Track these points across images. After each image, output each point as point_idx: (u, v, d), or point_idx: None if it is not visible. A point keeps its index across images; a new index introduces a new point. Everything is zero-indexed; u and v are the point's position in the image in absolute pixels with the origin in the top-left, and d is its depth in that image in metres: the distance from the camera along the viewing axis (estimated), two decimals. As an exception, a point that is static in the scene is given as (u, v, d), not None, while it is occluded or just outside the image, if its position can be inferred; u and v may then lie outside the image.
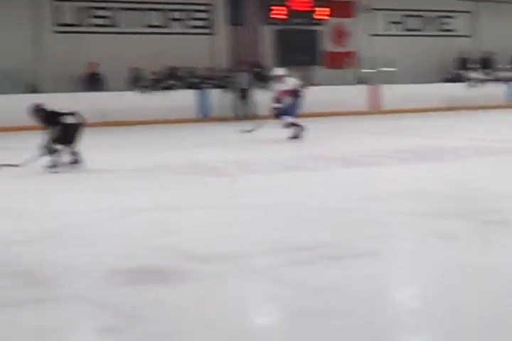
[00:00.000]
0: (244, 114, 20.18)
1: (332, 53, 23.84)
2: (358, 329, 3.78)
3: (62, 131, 10.30)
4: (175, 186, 8.90)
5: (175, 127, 18.49)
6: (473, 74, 24.32)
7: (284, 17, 22.87)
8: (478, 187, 8.29)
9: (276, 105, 14.34)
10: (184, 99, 20.10)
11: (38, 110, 10.51)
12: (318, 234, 6.01)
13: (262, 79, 19.85)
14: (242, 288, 4.61)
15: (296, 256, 5.34)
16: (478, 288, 4.44)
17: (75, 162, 10.43)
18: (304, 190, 8.38)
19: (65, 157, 10.35)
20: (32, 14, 20.01)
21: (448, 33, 26.06)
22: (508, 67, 25.15)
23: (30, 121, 10.59)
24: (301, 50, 23.02)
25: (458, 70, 24.67)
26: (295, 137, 14.17)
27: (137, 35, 21.28)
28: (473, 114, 21.38)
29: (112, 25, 21.27)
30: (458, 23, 26.22)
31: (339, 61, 23.57)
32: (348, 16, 24.00)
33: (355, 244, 5.68)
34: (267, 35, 22.76)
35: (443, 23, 26.05)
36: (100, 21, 21.14)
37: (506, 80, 24.52)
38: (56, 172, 10.07)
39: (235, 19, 21.89)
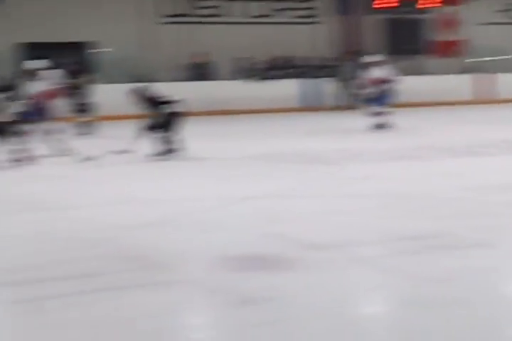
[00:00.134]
0: (347, 103, 20.06)
1: (439, 42, 23.39)
2: (477, 320, 3.71)
3: (163, 119, 10.45)
4: (279, 174, 8.94)
5: (278, 116, 18.54)
6: None
7: (392, 5, 22.57)
8: None
9: (363, 91, 14.14)
10: (287, 88, 20.12)
11: (140, 93, 10.67)
12: (427, 223, 5.94)
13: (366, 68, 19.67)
14: (350, 276, 4.60)
15: (405, 245, 5.30)
16: None
17: (175, 150, 10.55)
18: (412, 179, 8.29)
19: (167, 145, 10.52)
20: (137, 6, 20.42)
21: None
22: None
23: (139, 109, 10.77)
24: (406, 39, 22.73)
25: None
26: (380, 126, 13.90)
27: (242, 25, 21.41)
28: None
29: (218, 15, 21.48)
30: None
31: (446, 50, 23.10)
32: (456, 4, 23.49)
33: (468, 234, 5.58)
34: (371, 25, 22.55)
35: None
36: (206, 12, 21.39)
37: None
38: (162, 160, 10.25)
39: (341, 8, 21.77)
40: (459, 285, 4.31)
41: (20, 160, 10.21)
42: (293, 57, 20.93)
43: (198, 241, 5.51)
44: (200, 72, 19.87)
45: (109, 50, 20.07)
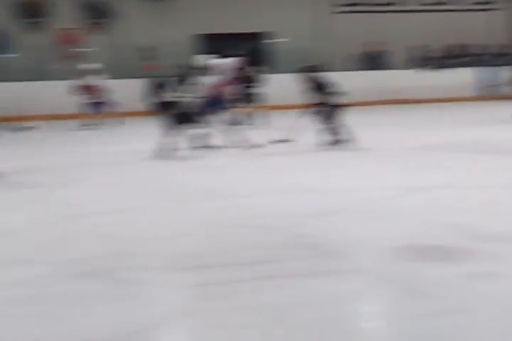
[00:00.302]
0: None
1: None
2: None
3: (327, 109, 10.48)
4: (450, 164, 8.84)
5: (452, 105, 18.20)
6: None
7: None
8: None
9: None
10: (462, 77, 19.72)
11: (311, 76, 10.70)
12: None
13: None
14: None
15: None
16: None
17: (343, 141, 10.56)
18: None
19: (334, 136, 10.57)
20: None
21: None
22: None
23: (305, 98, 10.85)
24: None
25: None
26: None
27: (416, 14, 21.15)
28: None
29: (392, 4, 21.30)
30: None
31: None
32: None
33: None
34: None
35: None
36: (380, 0, 21.27)
37: None
38: (330, 150, 10.33)
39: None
40: None
41: (199, 148, 10.61)
42: (468, 45, 20.45)
43: (371, 230, 5.52)
44: (373, 61, 19.79)
45: (285, 40, 20.35)
